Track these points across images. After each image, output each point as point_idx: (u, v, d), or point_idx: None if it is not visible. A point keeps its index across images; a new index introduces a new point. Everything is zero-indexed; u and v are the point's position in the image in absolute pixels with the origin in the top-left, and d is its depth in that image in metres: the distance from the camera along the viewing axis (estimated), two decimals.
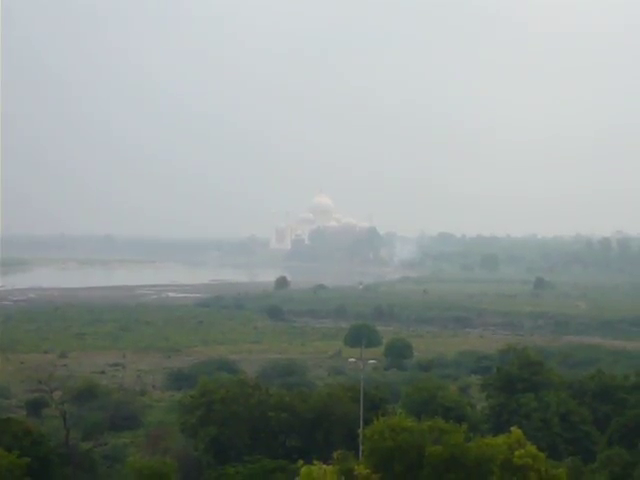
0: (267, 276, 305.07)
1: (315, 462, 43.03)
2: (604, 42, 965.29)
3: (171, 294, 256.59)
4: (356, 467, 43.43)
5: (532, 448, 44.17)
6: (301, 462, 44.08)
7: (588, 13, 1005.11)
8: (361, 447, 48.71)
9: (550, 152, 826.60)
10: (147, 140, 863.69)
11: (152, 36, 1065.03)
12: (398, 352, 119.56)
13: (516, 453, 43.27)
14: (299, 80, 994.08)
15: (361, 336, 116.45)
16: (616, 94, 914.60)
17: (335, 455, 45.57)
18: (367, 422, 49.20)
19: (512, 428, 46.34)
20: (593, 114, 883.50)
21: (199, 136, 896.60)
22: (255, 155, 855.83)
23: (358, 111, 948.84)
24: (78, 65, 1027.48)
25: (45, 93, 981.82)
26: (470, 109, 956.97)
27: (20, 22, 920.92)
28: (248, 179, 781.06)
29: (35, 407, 79.69)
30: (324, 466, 42.63)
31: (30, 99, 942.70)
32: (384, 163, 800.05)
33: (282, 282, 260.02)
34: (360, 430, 50.55)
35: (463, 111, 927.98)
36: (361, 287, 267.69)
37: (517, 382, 67.82)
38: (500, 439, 44.69)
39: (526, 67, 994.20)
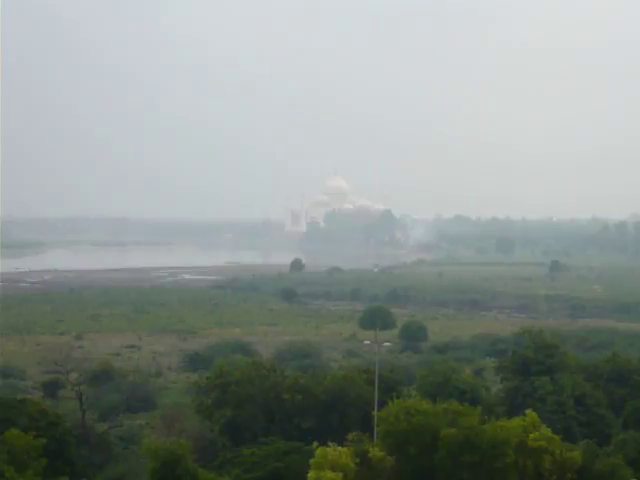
0: (282, 258, 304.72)
1: (330, 444, 43.14)
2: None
3: (186, 276, 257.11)
4: (371, 449, 43.54)
5: (547, 431, 44.16)
6: (316, 444, 44.16)
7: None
8: (376, 429, 48.74)
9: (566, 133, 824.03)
10: (165, 119, 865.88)
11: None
12: (413, 335, 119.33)
13: (531, 436, 43.28)
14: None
15: (376, 319, 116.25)
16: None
17: (350, 437, 45.64)
18: (382, 404, 49.23)
19: (527, 411, 46.35)
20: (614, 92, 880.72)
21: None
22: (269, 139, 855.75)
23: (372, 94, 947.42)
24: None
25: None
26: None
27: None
28: (263, 161, 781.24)
29: (51, 388, 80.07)
30: (339, 448, 42.75)
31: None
32: (400, 145, 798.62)
33: (297, 264, 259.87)
34: (375, 412, 50.59)
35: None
36: (376, 270, 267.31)
37: (532, 365, 67.58)
38: (515, 422, 44.69)
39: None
